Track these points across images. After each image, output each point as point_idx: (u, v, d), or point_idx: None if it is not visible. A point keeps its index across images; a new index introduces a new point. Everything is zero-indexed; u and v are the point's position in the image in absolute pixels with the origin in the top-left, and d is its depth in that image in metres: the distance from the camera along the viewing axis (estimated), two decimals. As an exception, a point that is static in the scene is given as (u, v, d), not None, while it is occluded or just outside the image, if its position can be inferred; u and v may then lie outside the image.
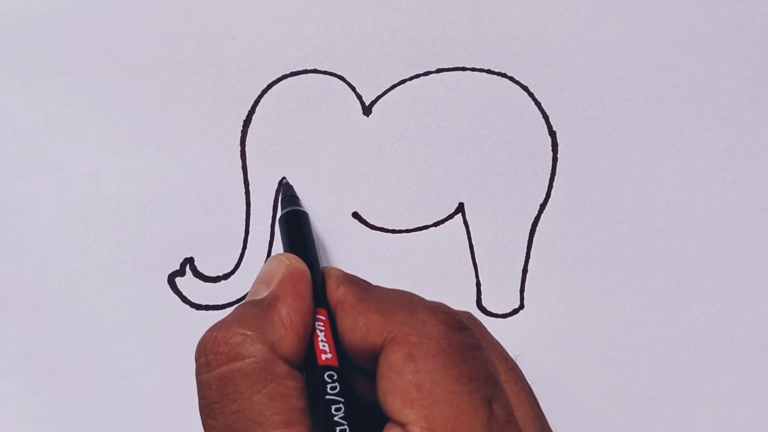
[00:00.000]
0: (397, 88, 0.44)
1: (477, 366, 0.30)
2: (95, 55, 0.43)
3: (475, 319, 0.34)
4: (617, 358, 0.45)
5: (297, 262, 0.34)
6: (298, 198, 0.43)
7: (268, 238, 0.44)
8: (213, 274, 0.44)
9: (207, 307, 0.44)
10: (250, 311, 0.31)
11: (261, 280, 0.34)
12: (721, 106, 0.44)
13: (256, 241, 0.44)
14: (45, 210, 0.43)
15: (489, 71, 0.44)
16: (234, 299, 0.44)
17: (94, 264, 0.43)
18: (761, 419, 0.45)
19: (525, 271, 0.44)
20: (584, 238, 0.44)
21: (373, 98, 0.44)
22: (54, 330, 0.44)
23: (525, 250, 0.44)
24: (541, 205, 0.44)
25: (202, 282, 0.44)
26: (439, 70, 0.44)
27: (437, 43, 0.43)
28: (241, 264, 0.44)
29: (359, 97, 0.44)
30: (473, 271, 0.44)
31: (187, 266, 0.44)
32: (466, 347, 0.30)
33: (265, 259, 0.44)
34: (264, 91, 0.43)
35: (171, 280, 0.44)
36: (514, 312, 0.44)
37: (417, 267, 0.44)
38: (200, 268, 0.44)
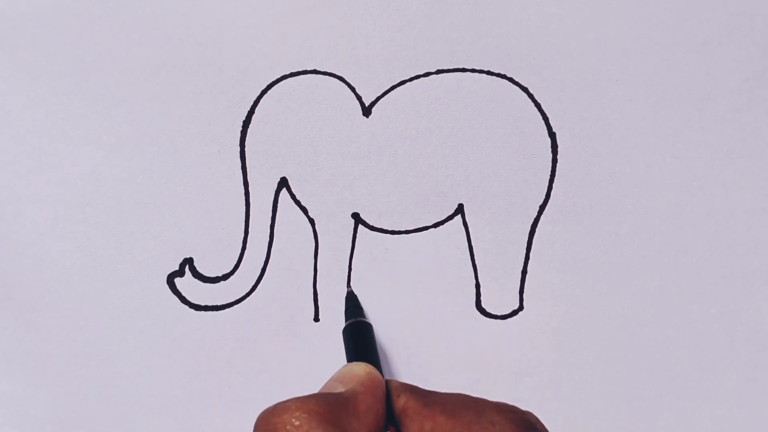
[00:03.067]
0: (397, 88, 0.44)
1: None
2: (95, 55, 0.43)
3: (539, 420, 0.34)
4: (617, 358, 0.45)
5: (375, 371, 0.34)
6: (362, 309, 0.44)
7: (267, 239, 0.44)
8: (212, 275, 0.44)
9: (206, 308, 0.44)
10: (328, 398, 0.32)
11: (337, 379, 0.34)
12: (721, 107, 0.44)
13: (255, 242, 0.44)
14: (45, 210, 0.43)
15: (489, 72, 0.44)
16: (233, 300, 0.44)
17: (94, 264, 0.44)
18: (761, 419, 0.45)
19: (524, 272, 0.44)
20: (584, 239, 0.44)
21: (373, 99, 0.44)
22: (53, 330, 0.44)
23: (524, 251, 0.44)
24: (540, 206, 0.44)
25: (201, 282, 0.44)
26: (438, 71, 0.44)
27: (437, 44, 0.43)
28: (241, 264, 0.44)
29: (359, 97, 0.44)
30: (473, 272, 0.44)
31: (187, 267, 0.44)
32: None
33: (264, 260, 0.44)
34: (264, 92, 0.43)
35: (170, 280, 0.44)
36: (514, 313, 0.44)
37: (416, 268, 0.44)
38: (199, 269, 0.44)
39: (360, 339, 0.41)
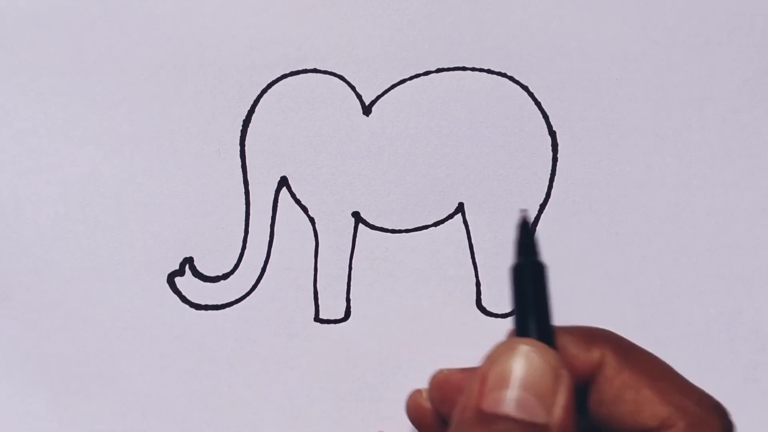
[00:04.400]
0: (397, 87, 0.44)
1: None
2: (95, 55, 0.43)
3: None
4: (617, 358, 0.45)
5: (566, 369, 0.26)
6: (536, 244, 0.32)
7: (267, 238, 0.44)
8: (212, 274, 0.44)
9: (206, 307, 0.44)
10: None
11: (531, 391, 0.26)
12: (721, 107, 0.44)
13: (255, 241, 0.44)
14: (45, 210, 0.43)
15: (489, 71, 0.44)
16: (233, 299, 0.44)
17: (94, 264, 0.43)
18: (761, 420, 0.45)
19: (525, 271, 0.44)
20: (584, 239, 0.44)
21: (373, 98, 0.44)
22: (53, 330, 0.43)
23: (525, 250, 0.44)
24: (540, 205, 0.44)
25: (201, 282, 0.44)
26: (439, 70, 0.44)
27: (437, 43, 0.43)
28: (241, 264, 0.44)
29: (359, 96, 0.44)
30: (473, 271, 0.44)
31: (187, 266, 0.44)
32: None
33: (264, 260, 0.44)
34: (264, 91, 0.43)
35: (170, 279, 0.44)
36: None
37: (417, 267, 0.44)
38: (200, 268, 0.44)
39: (539, 286, 0.31)
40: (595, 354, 0.28)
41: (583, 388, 0.28)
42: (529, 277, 0.31)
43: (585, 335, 0.29)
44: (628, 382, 0.27)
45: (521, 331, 0.29)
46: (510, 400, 0.25)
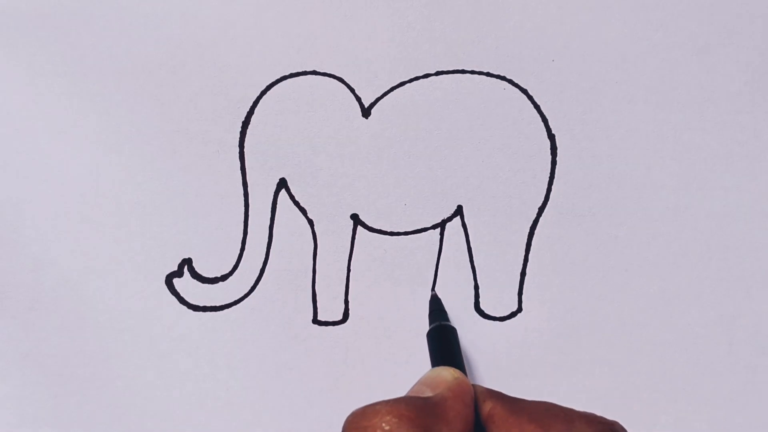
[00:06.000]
0: (397, 90, 0.44)
1: None
2: (95, 55, 0.43)
3: (624, 428, 0.34)
4: (615, 361, 0.45)
5: (462, 376, 0.34)
6: (446, 312, 0.43)
7: (266, 240, 0.44)
8: (211, 276, 0.44)
9: (205, 308, 0.44)
10: (416, 401, 0.32)
11: (424, 383, 0.34)
12: (721, 109, 0.44)
13: (254, 243, 0.44)
14: (44, 210, 0.43)
15: (488, 74, 0.44)
16: (231, 300, 0.44)
17: (92, 264, 0.44)
18: (761, 423, 0.45)
19: (523, 274, 0.44)
20: (583, 241, 0.44)
21: (373, 100, 0.44)
22: (51, 330, 0.44)
23: (523, 253, 0.44)
24: (539, 208, 0.44)
25: (200, 283, 0.44)
26: (438, 73, 0.44)
27: (436, 46, 0.43)
28: (239, 265, 0.44)
29: (358, 99, 0.44)
30: (471, 274, 0.44)
31: (185, 267, 0.44)
32: None
33: (262, 261, 0.44)
34: (263, 92, 0.43)
35: (169, 280, 0.44)
36: (512, 315, 0.44)
37: (415, 269, 0.44)
38: (198, 270, 0.44)
39: (445, 343, 0.41)
40: (487, 405, 0.33)
41: None
42: (444, 336, 0.41)
43: (482, 392, 0.34)
44: (514, 423, 0.32)
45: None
46: (410, 390, 0.34)
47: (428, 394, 0.33)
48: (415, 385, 0.34)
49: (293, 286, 0.44)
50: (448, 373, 0.34)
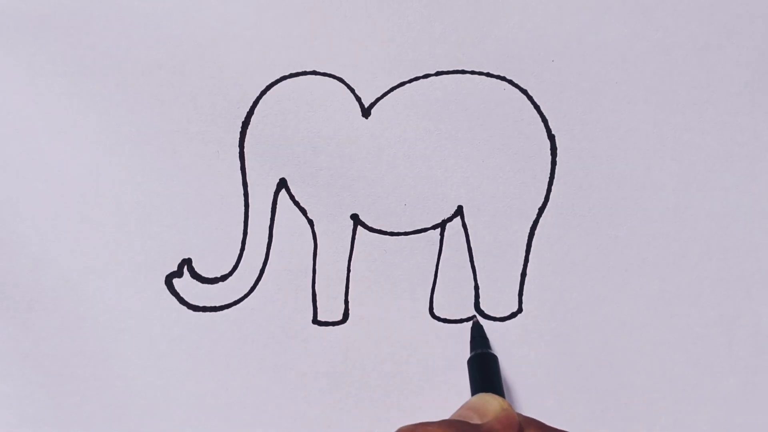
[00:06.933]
0: (397, 90, 0.44)
1: None
2: (95, 55, 0.43)
3: None
4: (616, 361, 0.44)
5: (511, 408, 0.35)
6: (488, 339, 0.43)
7: (266, 240, 0.44)
8: (211, 276, 0.44)
9: (204, 309, 0.44)
10: (465, 427, 0.32)
11: (473, 409, 0.34)
12: (720, 110, 0.44)
13: (254, 243, 0.44)
14: (43, 210, 0.43)
15: (488, 74, 0.44)
16: (231, 300, 0.44)
17: (92, 264, 0.44)
18: (760, 423, 0.45)
19: (523, 274, 0.44)
20: (583, 242, 0.44)
21: (373, 100, 0.44)
22: (51, 331, 0.44)
23: (524, 254, 0.44)
24: (539, 209, 0.44)
25: (199, 283, 0.44)
26: (438, 73, 0.44)
27: (436, 46, 0.43)
28: (239, 265, 0.44)
29: (358, 99, 0.44)
30: (472, 275, 0.44)
31: (185, 267, 0.44)
32: None
33: (262, 262, 0.44)
34: (263, 92, 0.43)
35: (168, 281, 0.44)
36: (513, 315, 0.44)
37: (415, 270, 0.44)
38: (198, 270, 0.44)
39: (487, 371, 0.41)
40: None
41: None
42: (487, 364, 0.41)
43: (522, 420, 0.35)
44: None
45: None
46: (457, 413, 0.35)
47: (476, 421, 0.33)
48: (460, 409, 0.35)
49: (293, 286, 0.44)
50: (497, 402, 0.35)
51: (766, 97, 0.44)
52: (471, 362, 0.42)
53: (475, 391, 0.40)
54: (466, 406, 0.35)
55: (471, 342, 0.43)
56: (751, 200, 0.44)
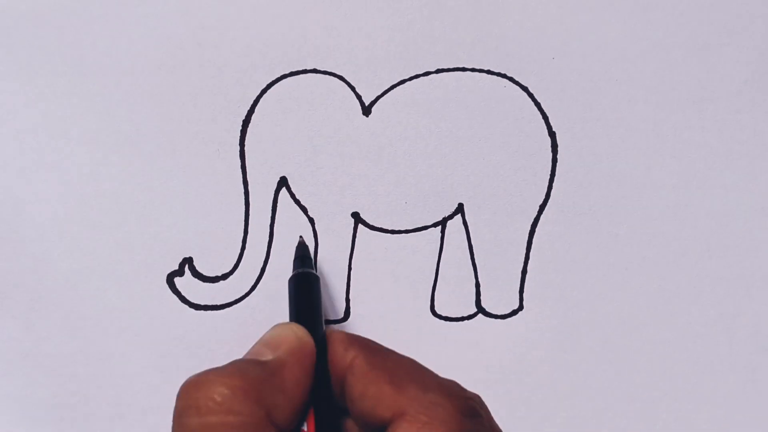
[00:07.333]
0: (397, 88, 0.44)
1: None
2: (95, 55, 0.43)
3: (484, 405, 0.33)
4: (616, 359, 0.45)
5: (306, 336, 0.33)
6: (311, 259, 0.42)
7: (267, 239, 0.44)
8: (212, 275, 0.44)
9: (206, 307, 0.44)
10: (252, 369, 0.31)
11: (266, 343, 0.33)
12: (720, 108, 0.44)
13: (254, 242, 0.44)
14: (44, 210, 0.43)
15: (489, 72, 0.44)
16: (232, 299, 0.44)
17: (93, 264, 0.43)
18: (761, 422, 0.45)
19: (524, 272, 0.44)
20: (584, 240, 0.44)
21: (373, 98, 0.44)
22: (52, 330, 0.43)
23: (524, 251, 0.44)
24: (540, 206, 0.44)
25: (200, 282, 0.44)
26: (438, 71, 0.44)
27: (437, 44, 0.43)
28: (240, 264, 0.44)
29: (359, 97, 0.44)
30: (472, 272, 0.44)
31: (186, 266, 0.44)
32: None
33: (263, 260, 0.44)
34: (263, 91, 0.43)
35: (170, 280, 0.44)
36: (514, 313, 0.44)
37: (416, 267, 0.44)
38: (199, 268, 0.44)
39: (304, 292, 0.38)
40: (350, 354, 0.32)
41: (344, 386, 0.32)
42: (305, 284, 0.39)
43: (345, 339, 0.33)
44: (372, 379, 0.31)
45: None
46: (251, 350, 0.33)
47: (268, 356, 0.32)
48: (256, 344, 0.33)
49: (294, 285, 0.44)
50: (291, 331, 0.33)
51: (766, 96, 0.44)
52: (290, 283, 0.39)
53: (292, 316, 0.37)
54: (260, 341, 0.33)
55: (294, 262, 0.41)
56: (752, 199, 0.44)
